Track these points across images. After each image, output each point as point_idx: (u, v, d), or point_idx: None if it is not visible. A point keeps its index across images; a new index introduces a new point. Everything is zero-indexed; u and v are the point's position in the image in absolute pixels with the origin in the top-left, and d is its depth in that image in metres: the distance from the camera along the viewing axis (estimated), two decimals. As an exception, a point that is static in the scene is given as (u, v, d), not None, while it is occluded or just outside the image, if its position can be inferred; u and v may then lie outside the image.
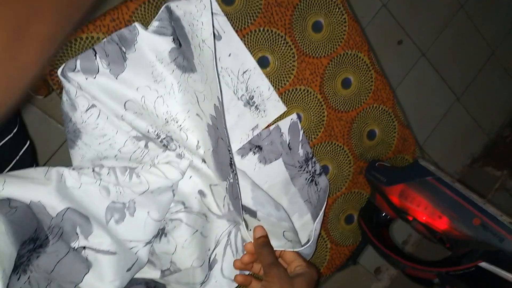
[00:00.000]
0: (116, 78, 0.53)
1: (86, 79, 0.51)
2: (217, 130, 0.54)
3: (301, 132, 0.65)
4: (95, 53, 0.51)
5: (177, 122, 0.58)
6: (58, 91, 0.54)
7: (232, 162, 0.53)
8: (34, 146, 0.65)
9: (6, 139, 0.57)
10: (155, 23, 0.53)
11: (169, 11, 0.53)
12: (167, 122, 0.57)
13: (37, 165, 0.67)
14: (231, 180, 0.55)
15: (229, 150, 0.53)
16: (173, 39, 0.54)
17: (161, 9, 0.53)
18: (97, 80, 0.52)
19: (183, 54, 0.55)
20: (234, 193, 0.55)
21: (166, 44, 0.54)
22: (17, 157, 0.59)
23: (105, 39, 0.52)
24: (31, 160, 0.63)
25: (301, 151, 0.66)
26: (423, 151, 1.71)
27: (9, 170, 0.57)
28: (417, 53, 1.63)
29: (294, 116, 0.65)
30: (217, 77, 0.50)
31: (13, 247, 0.42)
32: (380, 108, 0.71)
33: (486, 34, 1.77)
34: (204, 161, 0.59)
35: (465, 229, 0.53)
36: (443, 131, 1.74)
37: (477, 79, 1.79)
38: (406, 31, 1.57)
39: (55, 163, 1.08)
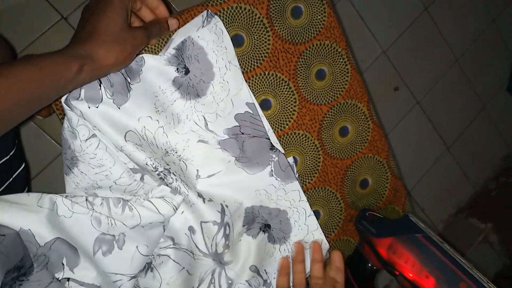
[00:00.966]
0: (119, 108, 0.53)
1: (89, 107, 0.51)
2: (242, 136, 0.61)
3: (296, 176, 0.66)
4: (100, 82, 0.51)
5: (176, 152, 0.58)
6: (60, 116, 0.54)
7: (273, 145, 0.62)
8: (29, 168, 0.65)
9: (3, 160, 0.56)
10: (172, 51, 0.54)
11: (184, 44, 0.55)
12: (167, 152, 0.57)
13: (30, 187, 0.66)
14: (276, 158, 0.62)
15: (267, 138, 0.62)
16: (177, 69, 0.55)
17: (183, 39, 0.55)
18: (99, 109, 0.52)
19: (190, 81, 0.57)
20: (282, 166, 0.63)
21: (170, 73, 0.55)
22: (11, 179, 0.58)
23: None
24: (23, 182, 0.62)
25: None
26: (412, 198, 1.73)
27: (1, 192, 0.56)
28: (412, 101, 1.67)
29: (290, 160, 0.66)
30: (246, 86, 0.60)
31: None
32: (374, 158, 0.72)
33: (478, 88, 1.83)
34: (200, 195, 0.59)
35: (452, 292, 0.53)
36: (432, 179, 1.77)
37: (467, 131, 1.84)
38: (403, 79, 1.62)
39: (44, 178, 1.06)
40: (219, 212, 0.60)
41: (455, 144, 1.81)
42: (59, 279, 0.47)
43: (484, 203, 1.87)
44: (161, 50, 0.57)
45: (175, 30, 0.56)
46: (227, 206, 0.61)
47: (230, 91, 0.59)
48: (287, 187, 0.64)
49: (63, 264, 0.48)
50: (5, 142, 0.57)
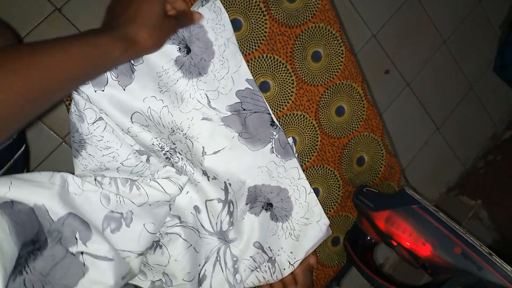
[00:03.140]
0: (124, 90, 0.55)
1: (95, 91, 0.53)
2: (243, 112, 0.63)
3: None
4: None
5: (182, 130, 0.60)
6: (67, 102, 0.55)
7: (274, 121, 0.65)
8: (29, 150, 0.66)
9: (5, 145, 0.57)
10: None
11: None
12: (173, 131, 0.59)
13: (28, 169, 0.67)
14: (276, 136, 0.65)
15: (268, 114, 0.64)
16: (179, 48, 0.57)
17: None
18: (105, 92, 0.53)
19: (191, 61, 0.59)
20: (282, 143, 0.66)
21: (172, 53, 0.57)
22: (11, 161, 0.59)
23: None
24: (23, 164, 0.63)
25: None
26: (405, 175, 1.77)
27: (1, 174, 0.58)
28: (402, 83, 1.70)
29: (290, 140, 0.68)
30: (244, 63, 0.62)
31: (15, 247, 0.43)
32: (370, 137, 0.75)
33: (466, 69, 1.87)
34: (205, 173, 0.61)
35: (447, 256, 0.56)
36: (423, 159, 1.81)
37: (456, 111, 1.88)
38: (393, 62, 1.65)
39: (44, 169, 1.07)
40: (222, 190, 0.62)
41: (445, 125, 1.85)
42: (73, 253, 0.49)
43: (473, 181, 1.92)
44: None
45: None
46: (230, 184, 0.64)
47: (230, 69, 0.61)
48: (287, 164, 0.66)
49: (76, 238, 0.49)
50: None
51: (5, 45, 0.57)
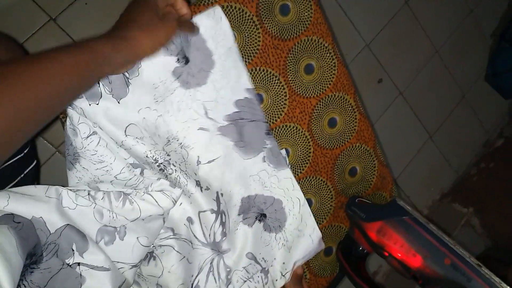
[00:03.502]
0: (119, 103, 0.55)
1: (90, 104, 0.53)
2: (241, 121, 0.64)
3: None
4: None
5: (177, 140, 0.61)
6: (61, 115, 0.56)
7: (268, 131, 0.66)
8: (39, 165, 0.66)
9: (16, 158, 0.57)
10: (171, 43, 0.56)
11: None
12: (169, 141, 0.60)
13: (39, 182, 0.67)
14: (269, 145, 0.66)
15: (265, 122, 0.65)
16: (177, 59, 0.57)
17: None
18: (100, 105, 0.54)
19: (189, 70, 0.59)
20: (274, 153, 0.66)
21: (170, 64, 0.57)
22: (22, 175, 0.59)
23: None
24: (32, 179, 0.63)
25: None
26: (397, 186, 1.78)
27: (11, 187, 0.58)
28: (395, 92, 1.72)
29: (283, 152, 0.69)
30: (246, 72, 0.62)
31: (21, 260, 0.43)
32: (362, 148, 0.76)
33: (458, 78, 1.89)
34: (198, 184, 0.61)
35: (437, 268, 0.57)
36: (416, 167, 1.82)
37: (448, 119, 1.90)
38: (386, 71, 1.66)
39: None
40: (214, 200, 0.63)
41: (438, 133, 1.87)
42: (70, 264, 0.49)
43: (466, 188, 1.94)
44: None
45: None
46: (222, 194, 0.64)
47: (231, 78, 0.62)
48: (280, 174, 0.67)
49: (73, 250, 0.50)
50: None
51: (8, 56, 0.57)
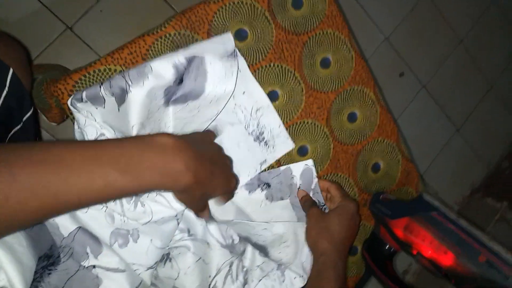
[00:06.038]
0: (119, 110, 0.54)
1: (96, 108, 0.53)
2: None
3: (315, 181, 0.67)
4: (101, 84, 0.52)
5: None
6: (72, 117, 0.55)
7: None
8: (37, 114, 0.65)
9: (15, 105, 0.57)
10: (182, 59, 0.55)
11: (193, 60, 0.56)
12: None
13: (39, 134, 0.67)
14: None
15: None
16: (175, 79, 0.55)
17: (197, 55, 0.55)
18: (106, 108, 0.53)
19: (177, 91, 0.57)
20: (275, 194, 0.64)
21: (169, 81, 0.55)
22: (21, 123, 0.59)
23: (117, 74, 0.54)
24: (33, 127, 0.62)
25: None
26: (425, 182, 1.73)
27: (13, 135, 0.57)
28: (418, 85, 1.67)
29: (310, 162, 0.66)
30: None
31: (33, 260, 0.44)
32: (384, 142, 0.73)
33: (485, 68, 1.82)
34: None
35: (471, 266, 0.53)
36: (443, 162, 1.76)
37: (476, 111, 1.83)
38: (408, 64, 1.62)
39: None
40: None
41: (465, 126, 1.80)
42: (86, 266, 0.50)
43: (498, 182, 1.86)
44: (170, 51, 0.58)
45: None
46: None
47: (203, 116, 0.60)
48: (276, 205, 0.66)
49: (87, 253, 0.50)
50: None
51: (14, 62, 0.57)
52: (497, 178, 1.88)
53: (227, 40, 0.58)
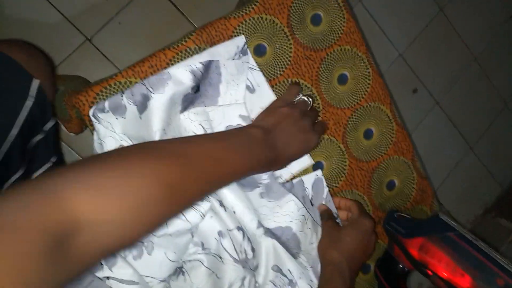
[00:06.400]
0: (141, 118, 0.55)
1: (117, 119, 0.53)
2: None
3: (326, 190, 0.66)
4: (122, 93, 0.53)
5: None
6: (91, 128, 0.56)
7: None
8: (58, 125, 0.67)
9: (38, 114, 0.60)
10: (198, 65, 0.56)
11: (210, 65, 0.56)
12: None
13: (59, 146, 0.68)
14: (266, 181, 0.62)
15: None
16: (192, 87, 0.56)
17: (212, 60, 0.57)
18: (127, 118, 0.54)
19: (194, 99, 0.58)
20: (274, 188, 0.63)
21: (187, 89, 0.56)
22: (43, 131, 0.62)
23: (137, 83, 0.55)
24: (54, 137, 0.65)
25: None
26: (437, 197, 1.71)
27: (36, 144, 0.60)
28: (432, 102, 1.66)
29: (319, 173, 0.66)
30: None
31: None
32: (400, 160, 0.72)
33: (499, 86, 1.80)
34: (221, 204, 0.60)
35: (489, 289, 0.52)
36: (456, 180, 1.74)
37: (490, 130, 1.81)
38: (421, 80, 1.61)
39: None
40: (233, 217, 0.61)
41: (478, 143, 1.78)
42: (100, 278, 0.50)
43: (511, 202, 1.82)
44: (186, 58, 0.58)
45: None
46: (234, 212, 0.62)
47: (225, 118, 0.61)
48: (281, 202, 0.63)
49: (102, 264, 0.51)
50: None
51: (39, 73, 0.59)
52: (510, 197, 1.85)
53: (239, 40, 0.59)
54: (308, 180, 0.65)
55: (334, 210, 0.67)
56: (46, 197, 0.28)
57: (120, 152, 0.37)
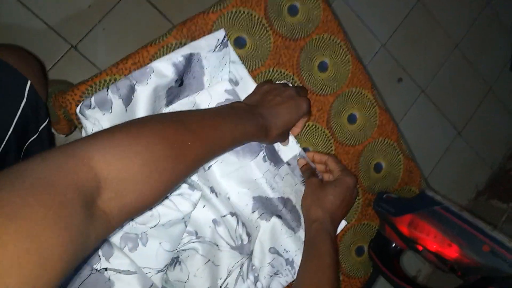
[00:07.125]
0: (126, 111, 0.56)
1: (103, 114, 0.55)
2: None
3: (298, 146, 0.67)
4: (107, 88, 0.54)
5: None
6: (80, 126, 0.57)
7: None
8: (51, 124, 0.68)
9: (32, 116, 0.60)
10: (180, 58, 0.57)
11: (191, 58, 0.58)
12: None
13: (54, 144, 0.69)
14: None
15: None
16: (176, 80, 0.58)
17: (193, 52, 0.58)
18: (113, 113, 0.55)
19: (178, 93, 0.60)
20: (271, 151, 0.65)
21: (170, 82, 0.57)
22: (38, 132, 0.62)
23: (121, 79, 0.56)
24: (48, 136, 0.65)
25: None
26: (428, 183, 1.73)
27: (31, 143, 0.60)
28: (417, 90, 1.68)
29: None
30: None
31: None
32: (385, 142, 0.74)
33: (482, 70, 1.84)
34: (212, 190, 0.61)
35: (475, 256, 0.54)
36: (446, 165, 1.77)
37: (476, 113, 1.84)
38: (405, 69, 1.64)
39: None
40: (226, 203, 0.62)
41: (466, 128, 1.81)
42: (98, 269, 0.51)
43: (503, 183, 1.85)
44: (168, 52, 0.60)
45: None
46: (229, 198, 0.63)
47: (212, 98, 0.62)
48: (281, 172, 0.65)
49: (99, 256, 0.51)
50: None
51: (31, 75, 0.60)
52: (501, 179, 1.88)
53: (219, 33, 0.61)
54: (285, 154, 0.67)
55: (311, 164, 0.68)
56: (77, 158, 0.31)
57: (134, 121, 0.41)
